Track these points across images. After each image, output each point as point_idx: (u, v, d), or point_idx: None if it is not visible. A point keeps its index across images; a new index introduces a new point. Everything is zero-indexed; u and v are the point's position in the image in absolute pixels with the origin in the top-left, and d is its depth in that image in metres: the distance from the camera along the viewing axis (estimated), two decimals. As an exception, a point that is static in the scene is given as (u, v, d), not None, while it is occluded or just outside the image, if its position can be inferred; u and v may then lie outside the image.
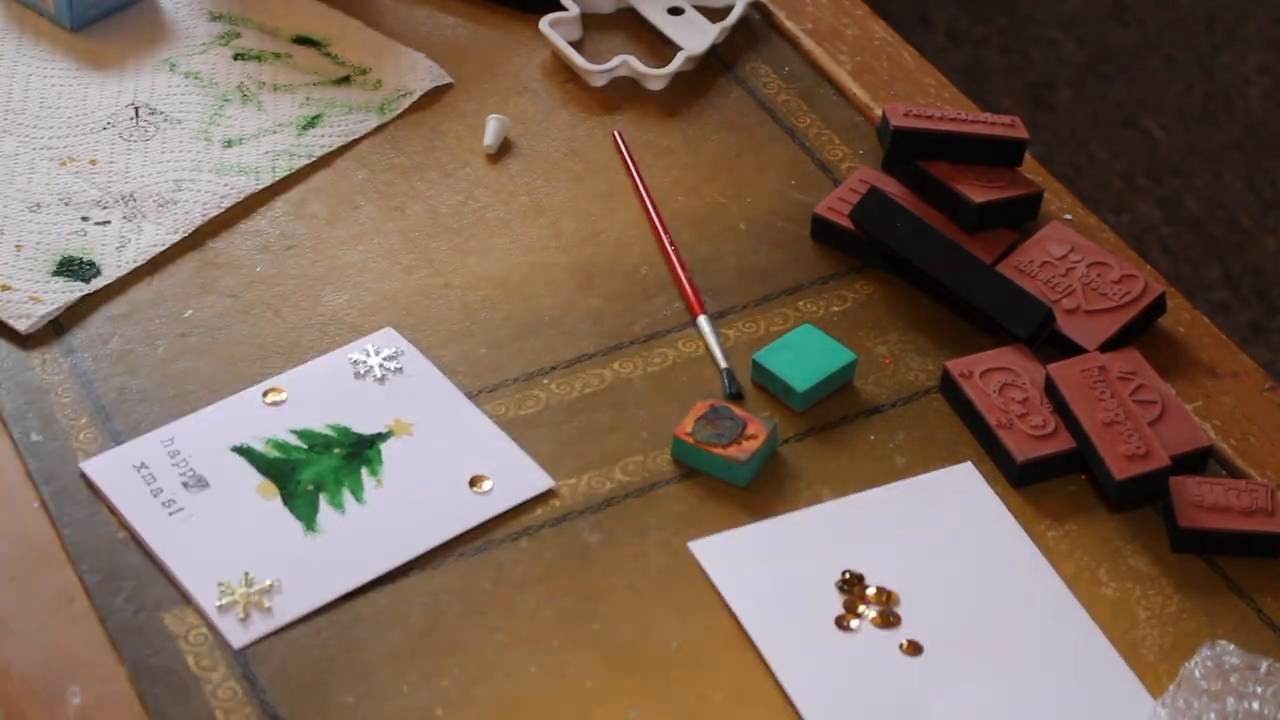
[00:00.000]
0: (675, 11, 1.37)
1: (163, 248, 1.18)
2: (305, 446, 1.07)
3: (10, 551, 1.01)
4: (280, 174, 1.24)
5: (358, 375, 1.11)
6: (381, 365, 1.12)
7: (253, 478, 1.05)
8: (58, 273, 1.16)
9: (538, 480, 1.06)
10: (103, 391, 1.10)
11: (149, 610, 0.99)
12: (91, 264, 1.17)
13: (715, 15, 1.38)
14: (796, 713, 0.96)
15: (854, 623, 1.00)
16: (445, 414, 1.09)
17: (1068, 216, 1.25)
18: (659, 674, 0.98)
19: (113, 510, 1.03)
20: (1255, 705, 0.94)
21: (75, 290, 1.15)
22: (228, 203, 1.22)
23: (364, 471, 1.05)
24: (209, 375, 1.11)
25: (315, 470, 1.05)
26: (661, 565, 1.03)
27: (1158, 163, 2.47)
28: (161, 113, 1.28)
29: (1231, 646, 0.97)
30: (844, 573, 1.02)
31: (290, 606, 0.99)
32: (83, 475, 1.05)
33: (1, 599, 0.99)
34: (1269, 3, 2.75)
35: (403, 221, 1.22)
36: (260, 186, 1.23)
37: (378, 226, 1.22)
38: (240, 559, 1.01)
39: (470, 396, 1.11)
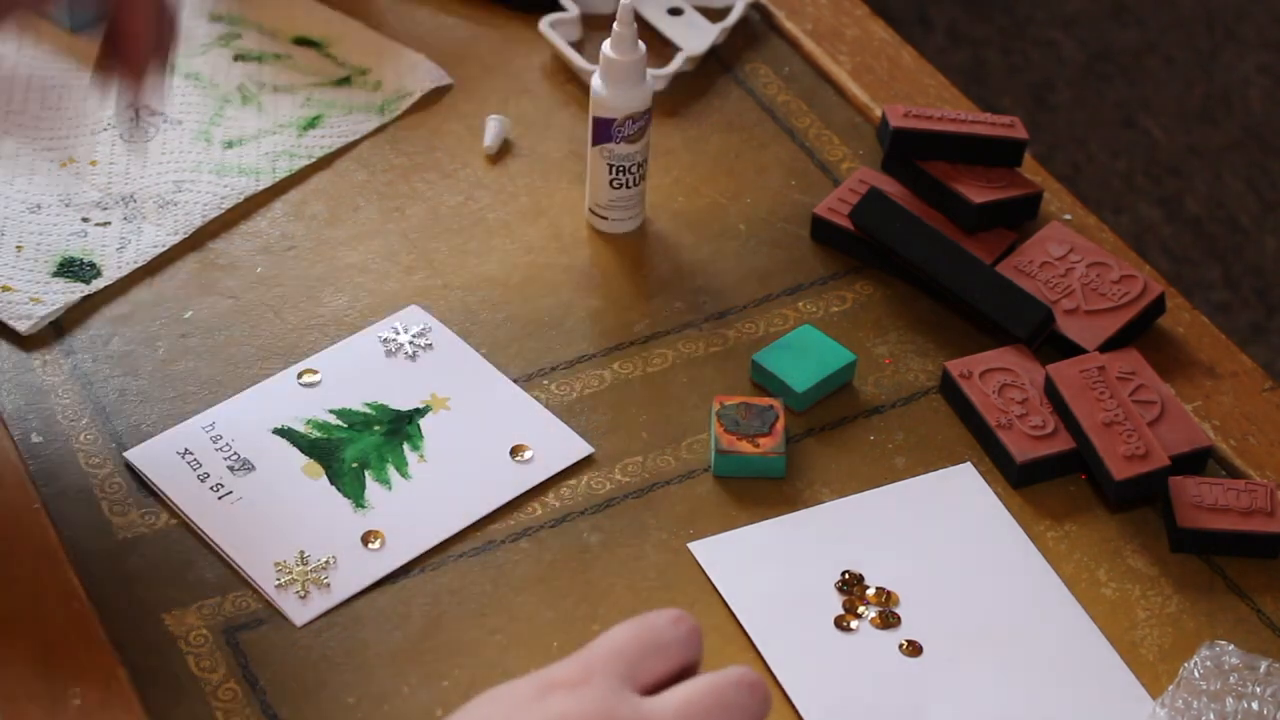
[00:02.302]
0: (675, 11, 1.37)
1: (163, 249, 1.18)
2: (345, 425, 1.08)
3: (10, 551, 1.01)
4: (280, 175, 1.24)
5: (389, 353, 1.12)
6: (411, 342, 1.13)
7: (297, 459, 1.06)
8: (58, 273, 1.16)
9: (577, 447, 1.08)
10: (103, 392, 1.10)
11: (149, 611, 0.99)
12: (92, 265, 1.17)
13: (715, 15, 1.38)
14: (796, 713, 0.96)
15: (854, 623, 1.00)
16: (479, 387, 1.11)
17: (1067, 216, 1.25)
18: (659, 674, 0.98)
19: (158, 496, 1.04)
20: (1255, 705, 0.94)
21: (75, 291, 1.15)
22: (228, 204, 1.22)
23: (406, 447, 1.07)
24: (209, 376, 1.11)
25: (358, 448, 1.07)
26: (661, 565, 1.03)
27: (1158, 163, 2.47)
28: (162, 113, 1.28)
29: (1231, 646, 0.97)
30: (844, 573, 1.02)
31: (349, 582, 1.01)
32: (128, 465, 1.06)
33: (1, 599, 0.99)
34: (1269, 3, 2.75)
35: (403, 222, 1.22)
36: (260, 187, 1.23)
37: (378, 227, 1.22)
38: (294, 539, 1.02)
39: (470, 397, 1.11)
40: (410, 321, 1.14)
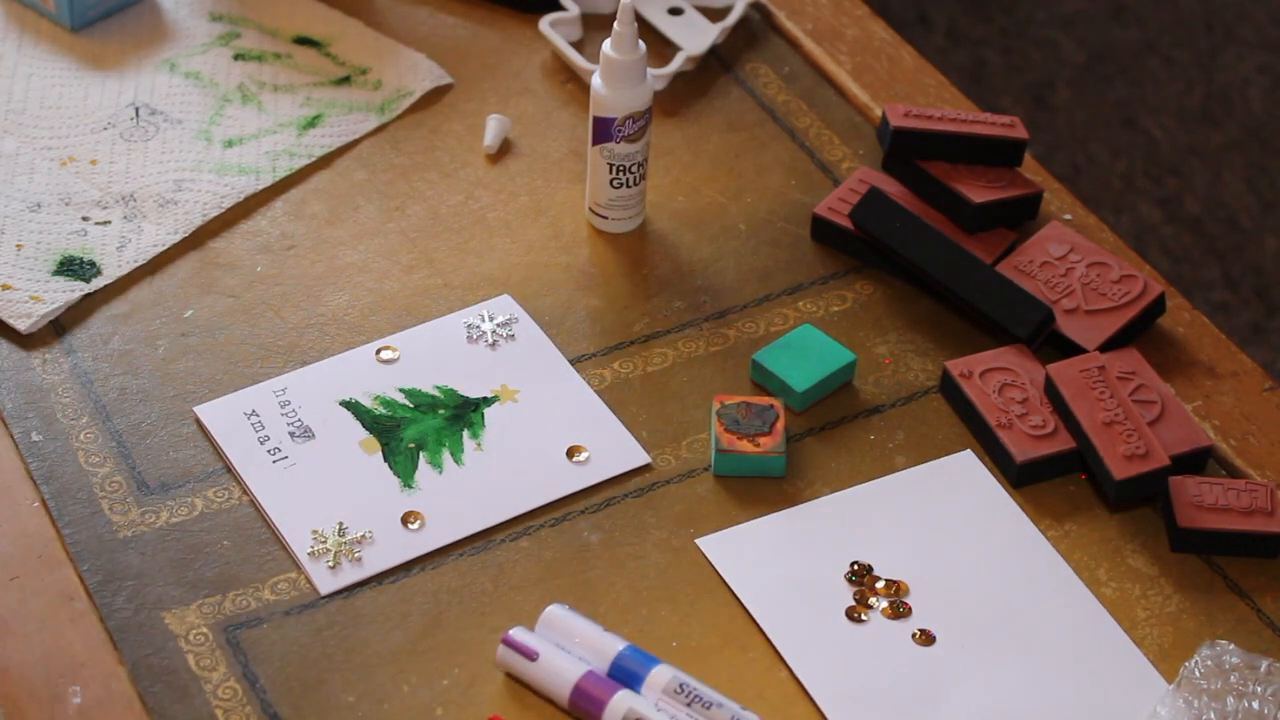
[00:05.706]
0: (675, 11, 1.37)
1: (163, 248, 1.18)
2: (411, 405, 1.09)
3: (10, 551, 1.01)
4: (280, 174, 1.24)
5: (470, 339, 1.13)
6: (494, 331, 1.14)
7: (357, 432, 1.08)
8: (58, 272, 1.16)
9: (634, 455, 1.08)
10: (103, 391, 1.10)
11: (149, 609, 0.99)
12: (92, 264, 1.17)
13: (715, 15, 1.38)
14: (814, 705, 0.96)
15: (865, 614, 1.00)
16: (551, 383, 1.11)
17: (1067, 216, 1.25)
18: (659, 673, 0.98)
19: (218, 453, 1.06)
20: (1255, 705, 0.94)
21: (76, 290, 1.15)
22: (228, 203, 1.22)
23: (465, 434, 1.08)
24: (209, 375, 1.11)
25: (418, 429, 1.08)
26: (662, 565, 1.03)
27: (1158, 163, 2.47)
28: (162, 113, 1.28)
29: (1231, 646, 0.97)
30: (853, 564, 1.02)
31: (381, 558, 1.02)
32: (196, 419, 1.08)
33: (1, 599, 0.99)
34: (1269, 3, 2.75)
35: (403, 221, 1.22)
36: (260, 186, 1.23)
37: (378, 226, 1.22)
38: (336, 510, 1.04)
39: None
40: (498, 310, 1.15)
